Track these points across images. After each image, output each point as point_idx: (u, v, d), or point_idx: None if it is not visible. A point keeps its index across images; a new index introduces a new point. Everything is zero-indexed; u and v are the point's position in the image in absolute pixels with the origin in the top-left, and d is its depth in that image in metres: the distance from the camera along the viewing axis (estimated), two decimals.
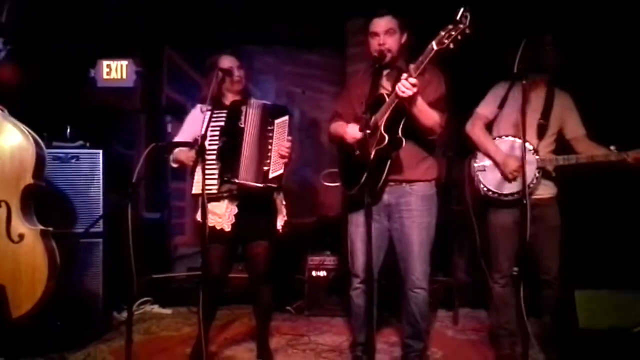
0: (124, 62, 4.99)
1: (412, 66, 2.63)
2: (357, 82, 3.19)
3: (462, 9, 2.45)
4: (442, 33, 2.50)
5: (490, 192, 3.21)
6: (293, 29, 5.18)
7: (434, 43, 2.53)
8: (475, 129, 3.31)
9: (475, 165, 3.27)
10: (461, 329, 4.10)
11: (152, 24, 5.13)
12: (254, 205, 3.09)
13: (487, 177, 3.23)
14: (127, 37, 5.05)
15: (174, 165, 3.19)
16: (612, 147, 3.09)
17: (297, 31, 5.20)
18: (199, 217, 3.11)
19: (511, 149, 3.19)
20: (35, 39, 4.16)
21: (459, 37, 2.46)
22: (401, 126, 2.81)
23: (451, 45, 2.49)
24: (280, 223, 3.21)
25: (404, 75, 2.64)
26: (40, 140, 3.14)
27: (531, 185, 3.11)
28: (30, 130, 3.10)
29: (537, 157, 3.15)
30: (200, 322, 2.85)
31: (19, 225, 2.99)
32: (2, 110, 3.08)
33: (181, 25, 5.13)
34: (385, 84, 3.00)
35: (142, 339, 3.82)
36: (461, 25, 2.44)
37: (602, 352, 2.82)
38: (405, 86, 2.62)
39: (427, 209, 3.04)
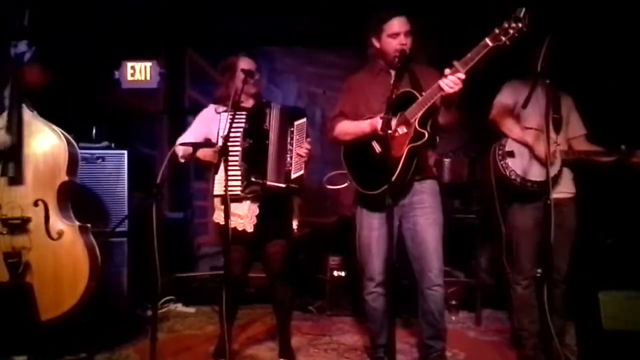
0: (148, 64, 5.07)
1: (457, 63, 2.61)
2: (362, 83, 3.14)
3: (524, 9, 2.46)
4: (497, 30, 2.50)
5: (519, 179, 3.16)
6: (314, 30, 5.20)
7: (488, 40, 2.52)
8: (501, 115, 3.31)
9: (504, 150, 3.24)
10: (483, 330, 4.08)
11: (175, 26, 5.19)
12: (273, 205, 3.11)
13: (516, 163, 3.20)
14: (151, 38, 5.12)
15: (182, 160, 3.17)
16: (622, 147, 3.10)
17: (319, 32, 5.21)
18: (215, 218, 3.15)
19: (537, 139, 3.18)
20: (60, 41, 4.23)
21: (517, 34, 2.47)
22: (429, 123, 2.82)
23: (507, 42, 2.49)
24: (295, 224, 3.24)
25: (447, 70, 2.62)
26: (71, 139, 3.19)
27: (557, 176, 3.13)
28: (61, 130, 3.15)
29: (560, 149, 3.18)
30: (223, 322, 2.88)
31: (58, 223, 3.04)
32: (32, 112, 3.13)
33: (203, 27, 5.18)
34: (402, 83, 2.97)
35: (166, 337, 3.87)
36: (520, 24, 2.45)
37: (626, 354, 2.79)
38: (454, 82, 2.60)
39: (437, 205, 3.06)
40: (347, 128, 3.08)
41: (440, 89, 2.65)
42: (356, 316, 4.31)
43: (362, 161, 3.02)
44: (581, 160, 3.22)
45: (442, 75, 2.71)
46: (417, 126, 2.79)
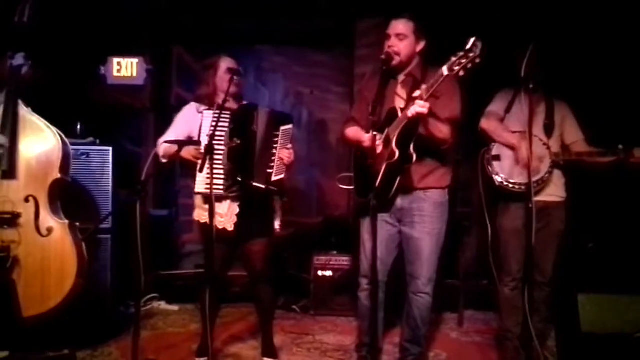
0: (135, 60, 5.02)
1: (423, 87, 2.63)
2: (370, 86, 3.12)
3: (473, 39, 2.44)
4: (453, 59, 2.50)
5: (504, 183, 3.21)
6: (303, 29, 5.20)
7: (445, 69, 2.53)
8: (490, 122, 3.34)
9: (490, 155, 3.29)
10: (466, 331, 4.12)
11: (162, 23, 5.17)
12: (253, 205, 3.12)
13: (502, 166, 3.25)
14: (138, 35, 5.09)
15: (163, 161, 3.16)
16: (620, 147, 3.11)
17: (307, 31, 5.22)
18: (196, 216, 3.16)
19: (523, 142, 3.21)
20: (46, 35, 4.19)
21: (469, 65, 2.46)
22: (413, 141, 2.80)
23: (461, 73, 2.48)
24: (277, 224, 3.24)
25: (417, 93, 2.64)
26: (64, 137, 3.18)
27: (545, 178, 3.16)
28: (54, 127, 3.13)
29: (550, 152, 3.20)
30: (205, 320, 2.88)
31: (48, 219, 3.02)
32: (28, 107, 3.12)
33: (191, 24, 5.16)
34: (400, 91, 2.99)
35: (149, 335, 3.86)
36: (471, 55, 2.44)
37: (604, 356, 2.83)
38: (416, 109, 2.61)
39: (439, 216, 3.03)
40: (350, 137, 3.13)
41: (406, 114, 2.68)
42: (340, 316, 4.33)
43: (360, 168, 3.05)
44: (575, 162, 3.23)
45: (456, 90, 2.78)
46: (393, 145, 2.78)
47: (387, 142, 2.83)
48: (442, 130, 2.83)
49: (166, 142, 3.09)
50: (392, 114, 2.84)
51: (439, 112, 2.80)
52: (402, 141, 2.78)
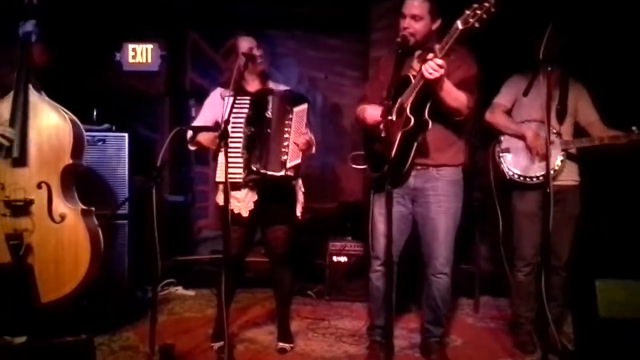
0: (149, 46, 5.05)
1: (437, 46, 2.61)
2: (386, 66, 3.08)
3: None
4: (468, 12, 2.48)
5: (516, 176, 3.22)
6: (316, 13, 5.17)
7: (459, 22, 2.51)
8: (495, 115, 3.34)
9: (500, 149, 3.28)
10: (481, 317, 4.10)
11: (176, 8, 5.17)
12: (273, 192, 3.10)
13: (512, 160, 3.25)
14: (152, 21, 5.09)
15: (192, 148, 3.20)
16: (633, 128, 3.07)
17: (321, 15, 5.19)
18: (218, 200, 3.15)
19: (537, 130, 3.19)
20: (62, 22, 4.21)
21: (484, 15, 2.44)
22: (427, 108, 2.79)
23: (476, 25, 2.47)
24: (299, 210, 3.24)
25: (430, 55, 2.61)
26: (77, 121, 3.16)
27: (556, 168, 3.13)
28: (67, 111, 3.12)
29: (561, 139, 3.17)
30: (221, 304, 2.90)
31: (60, 206, 3.01)
32: (40, 93, 3.11)
33: (205, 9, 5.15)
34: (416, 65, 2.93)
35: (166, 319, 3.89)
36: (487, 4, 2.43)
37: (622, 341, 2.80)
38: (432, 67, 2.58)
39: (454, 195, 3.02)
40: (358, 112, 3.10)
41: (422, 75, 2.65)
42: (355, 301, 4.33)
43: (372, 144, 3.02)
44: (588, 148, 3.19)
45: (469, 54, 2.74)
46: (407, 112, 2.78)
47: (400, 111, 2.81)
48: (457, 98, 2.80)
49: (181, 128, 3.09)
50: (404, 81, 2.82)
51: (452, 77, 2.77)
52: (417, 108, 2.78)
